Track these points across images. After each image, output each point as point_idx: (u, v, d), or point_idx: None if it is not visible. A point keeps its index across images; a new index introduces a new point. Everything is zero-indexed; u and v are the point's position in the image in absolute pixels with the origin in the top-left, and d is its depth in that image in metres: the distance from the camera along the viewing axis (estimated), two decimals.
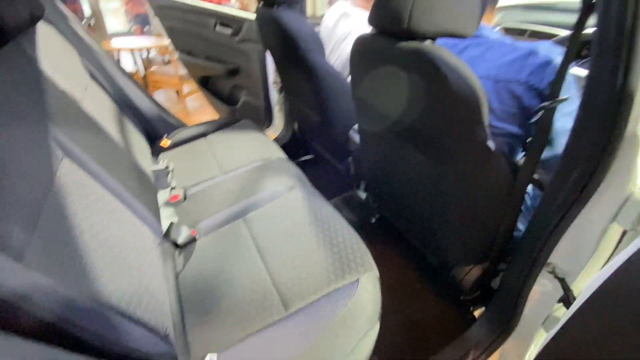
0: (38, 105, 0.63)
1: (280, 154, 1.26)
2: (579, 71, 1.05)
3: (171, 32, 1.76)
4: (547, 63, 0.67)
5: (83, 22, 3.30)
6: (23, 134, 0.55)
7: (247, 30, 1.53)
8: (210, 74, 1.85)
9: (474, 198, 0.75)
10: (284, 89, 1.71)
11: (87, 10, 3.85)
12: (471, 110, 0.59)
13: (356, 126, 1.24)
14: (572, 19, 0.54)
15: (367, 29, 0.71)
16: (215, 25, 1.59)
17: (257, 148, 1.28)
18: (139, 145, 1.17)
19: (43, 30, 0.93)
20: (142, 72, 3.36)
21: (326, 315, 0.65)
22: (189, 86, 3.15)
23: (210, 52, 1.72)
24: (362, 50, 0.75)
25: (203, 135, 1.41)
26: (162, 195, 1.05)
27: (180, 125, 1.52)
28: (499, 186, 0.73)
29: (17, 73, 0.67)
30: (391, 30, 0.62)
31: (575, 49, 0.55)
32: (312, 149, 1.84)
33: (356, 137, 1.27)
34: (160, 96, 3.48)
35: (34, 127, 0.59)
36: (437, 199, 0.81)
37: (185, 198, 1.07)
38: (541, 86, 0.68)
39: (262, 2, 1.18)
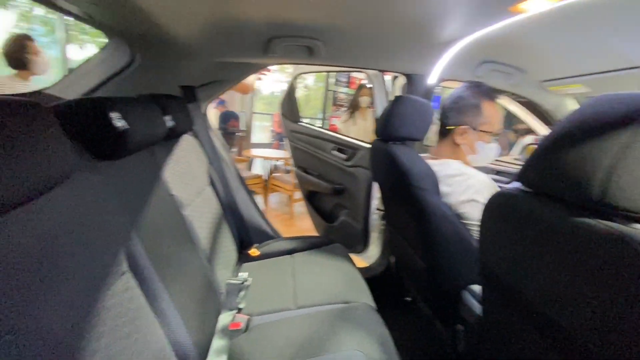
0: (131, 211, 0.64)
1: (366, 297, 1.03)
2: None
3: (294, 151, 1.97)
4: None
5: (237, 134, 4.20)
6: (95, 237, 0.52)
7: (359, 157, 1.55)
8: (317, 190, 1.90)
9: None
10: (386, 218, 1.57)
11: (242, 126, 4.96)
12: None
13: (475, 287, 0.94)
14: None
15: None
16: (331, 150, 1.68)
17: (343, 284, 1.09)
18: (227, 252, 1.14)
19: (186, 140, 1.09)
20: (266, 176, 3.87)
21: None
22: (300, 194, 3.43)
23: (322, 172, 1.80)
24: (507, 209, 0.55)
25: (291, 252, 1.33)
26: (224, 319, 0.92)
27: (275, 236, 1.49)
28: None
29: (138, 176, 0.73)
30: (562, 196, 0.42)
31: None
32: (407, 290, 1.52)
33: (471, 301, 0.95)
34: (275, 198, 3.85)
35: (112, 232, 0.57)
36: None
37: (246, 329, 0.92)
38: None
39: (378, 137, 1.17)
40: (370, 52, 1.10)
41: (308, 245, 1.39)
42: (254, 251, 1.34)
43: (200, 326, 0.77)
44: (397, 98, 1.09)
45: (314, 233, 1.95)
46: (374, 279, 1.38)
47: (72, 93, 0.99)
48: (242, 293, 1.05)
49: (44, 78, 2.03)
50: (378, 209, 1.63)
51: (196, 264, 0.86)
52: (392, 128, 1.06)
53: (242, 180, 1.44)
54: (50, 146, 0.43)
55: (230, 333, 0.88)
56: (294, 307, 1.00)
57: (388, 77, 1.67)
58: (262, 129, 6.03)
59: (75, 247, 0.47)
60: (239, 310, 0.99)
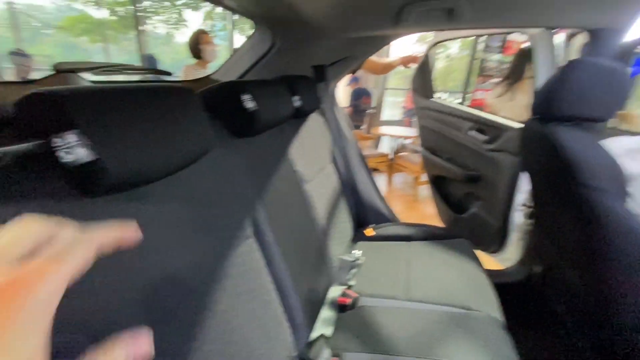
0: (258, 183, 0.71)
1: (492, 308, 0.88)
2: None
3: (422, 130, 1.80)
4: None
5: (367, 111, 4.19)
6: (227, 204, 0.60)
7: (505, 140, 1.28)
8: (446, 175, 1.70)
9: None
10: (534, 217, 1.27)
11: (373, 102, 4.89)
12: None
13: None
14: None
15: None
16: (468, 130, 1.45)
17: (464, 286, 0.96)
18: (342, 228, 1.17)
19: (313, 119, 1.14)
20: (392, 155, 3.76)
21: None
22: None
23: (454, 155, 1.58)
24: None
25: (408, 239, 1.25)
26: (333, 292, 0.96)
27: (392, 219, 1.44)
28: None
29: (267, 152, 0.80)
30: None
31: None
32: (553, 311, 1.22)
33: None
34: (399, 178, 3.73)
35: (241, 201, 0.65)
36: None
37: (353, 306, 0.93)
38: None
39: (535, 116, 0.92)
40: (535, 4, 0.83)
41: (428, 234, 1.28)
42: (369, 231, 1.33)
43: (310, 295, 0.82)
44: (573, 62, 0.80)
45: (437, 222, 1.78)
46: (507, 288, 1.16)
47: (229, 77, 1.16)
48: (353, 270, 1.06)
49: (217, 64, 2.50)
50: (525, 205, 1.34)
51: (312, 236, 0.91)
52: (559, 103, 0.80)
53: (363, 159, 1.43)
54: (196, 125, 0.50)
55: (339, 307, 0.91)
56: (403, 297, 0.95)
57: (559, 39, 1.28)
58: (393, 105, 5.82)
59: (211, 211, 0.56)
60: (349, 286, 1.01)
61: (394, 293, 0.97)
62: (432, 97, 1.76)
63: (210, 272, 0.52)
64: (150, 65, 3.62)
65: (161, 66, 4.02)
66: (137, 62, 3.82)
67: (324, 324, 0.84)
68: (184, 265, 0.48)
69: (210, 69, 2.36)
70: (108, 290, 0.37)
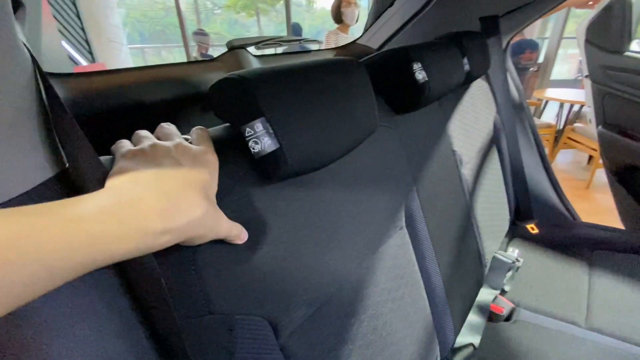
0: (413, 165, 0.62)
1: None
2: None
3: (604, 99, 1.27)
4: None
5: (531, 69, 3.36)
6: (383, 189, 0.55)
7: None
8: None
9: None
10: None
11: (541, 57, 3.86)
12: None
13: None
14: None
15: None
16: None
17: None
18: (498, 219, 0.98)
19: (476, 86, 0.94)
20: (560, 125, 2.97)
21: None
22: None
23: None
24: None
25: (586, 243, 0.95)
26: (484, 295, 0.83)
27: (569, 216, 1.12)
28: None
29: (425, 129, 0.70)
30: None
31: None
32: None
33: None
34: (567, 156, 2.96)
35: (397, 186, 0.58)
36: None
37: (508, 318, 0.78)
38: None
39: None
40: None
41: (619, 243, 0.94)
42: (532, 227, 1.08)
43: (459, 295, 0.72)
44: None
45: (617, 222, 1.31)
46: None
47: (375, 41, 1.07)
48: (509, 273, 0.89)
49: (358, 26, 2.41)
50: None
51: (466, 227, 0.79)
52: None
53: (536, 135, 1.13)
54: (365, 102, 0.45)
55: (490, 314, 0.78)
56: (583, 324, 0.73)
57: None
58: (565, 60, 4.48)
59: (368, 197, 0.52)
60: (503, 292, 0.85)
61: (566, 314, 0.76)
62: (626, 50, 1.19)
63: (363, 262, 0.49)
64: (295, 33, 3.83)
65: (303, 34, 4.22)
66: (284, 32, 4.11)
67: (471, 331, 0.74)
68: (341, 253, 0.46)
69: (350, 32, 2.29)
70: (274, 272, 0.37)
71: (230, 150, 0.36)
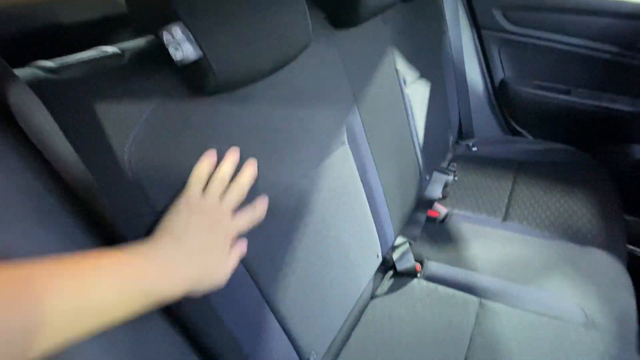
0: (354, 83, 0.64)
1: (615, 246, 0.75)
2: None
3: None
4: None
5: None
6: (324, 106, 0.57)
7: None
8: None
9: None
10: None
11: None
12: None
13: None
14: None
15: None
16: None
17: (583, 216, 0.82)
18: (441, 139, 1.06)
19: (423, 4, 0.92)
20: None
21: None
22: None
23: None
24: None
25: (518, 156, 1.07)
26: (421, 203, 0.93)
27: (508, 133, 1.23)
28: None
29: (367, 46, 0.70)
30: None
31: None
32: None
33: None
34: None
35: (338, 104, 0.61)
36: None
37: (443, 220, 0.90)
38: None
39: None
40: None
41: (546, 152, 1.07)
42: (472, 145, 1.19)
43: (399, 204, 0.81)
44: None
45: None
46: None
47: None
48: (447, 185, 1.00)
49: None
50: None
51: (406, 145, 0.85)
52: None
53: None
54: (296, 14, 0.44)
55: (427, 219, 0.90)
56: (500, 219, 0.87)
57: None
58: None
59: (309, 114, 0.54)
60: (441, 199, 0.97)
61: (490, 213, 0.89)
62: None
63: (308, 174, 0.53)
64: None
65: None
66: None
67: (409, 231, 0.85)
68: (284, 166, 0.49)
69: None
70: None
71: (157, 63, 0.36)
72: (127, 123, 0.33)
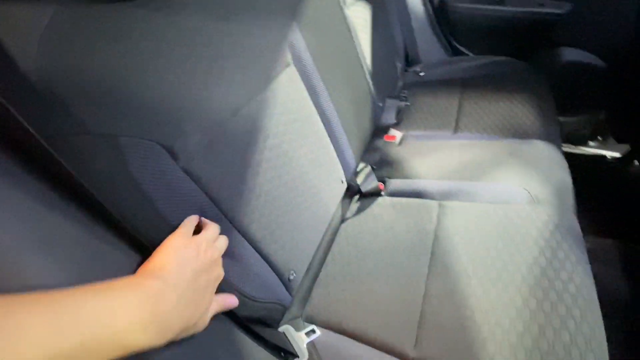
0: (293, 9, 0.61)
1: (552, 136, 0.82)
2: None
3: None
4: None
5: None
6: (263, 25, 0.54)
7: None
8: None
9: None
10: None
11: None
12: None
13: None
14: None
15: None
16: None
17: (522, 115, 0.88)
18: (389, 65, 1.06)
19: None
20: None
21: None
22: None
23: None
24: None
25: (462, 80, 1.11)
26: (380, 130, 0.95)
27: (454, 57, 1.25)
28: None
29: None
30: None
31: None
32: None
33: None
34: None
35: (276, 21, 0.57)
36: None
37: (400, 143, 0.93)
38: None
39: None
40: None
41: (489, 68, 1.12)
42: (420, 70, 1.20)
43: (356, 130, 0.82)
44: None
45: None
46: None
47: None
48: (400, 111, 1.02)
49: None
50: None
51: (356, 70, 0.84)
52: None
53: None
54: None
55: (384, 144, 0.93)
56: (451, 132, 0.91)
57: None
58: None
59: (247, 32, 0.50)
60: (396, 124, 0.99)
61: (442, 129, 0.93)
62: None
63: (256, 96, 0.51)
64: None
65: None
66: None
67: (370, 155, 0.87)
68: (226, 87, 0.46)
69: None
70: (155, 98, 0.37)
71: None
72: (29, 30, 0.28)
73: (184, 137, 0.39)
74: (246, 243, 0.48)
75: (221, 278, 0.37)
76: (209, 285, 0.34)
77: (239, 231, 0.47)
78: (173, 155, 0.38)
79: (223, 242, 0.40)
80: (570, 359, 0.44)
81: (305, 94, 0.63)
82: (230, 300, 0.39)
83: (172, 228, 0.36)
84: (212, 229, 0.39)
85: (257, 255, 0.50)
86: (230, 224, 0.46)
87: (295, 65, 0.61)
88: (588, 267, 0.54)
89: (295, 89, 0.60)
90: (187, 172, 0.40)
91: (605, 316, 0.48)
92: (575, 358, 0.44)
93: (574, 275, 0.52)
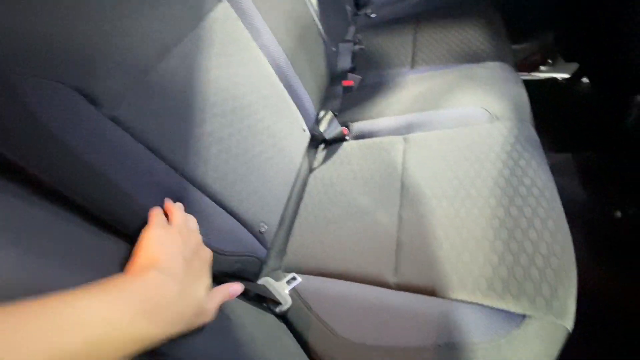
0: None
1: (509, 59, 0.82)
2: None
3: None
4: None
5: None
6: None
7: None
8: None
9: None
10: None
11: None
12: None
13: None
14: None
15: None
16: None
17: (475, 40, 0.87)
18: (339, 9, 1.01)
19: None
20: None
21: (437, 334, 0.42)
22: None
23: None
24: None
25: (414, 15, 1.07)
26: (336, 76, 0.91)
27: None
28: None
29: None
30: None
31: None
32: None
33: None
34: None
35: None
36: None
37: (359, 86, 0.90)
38: None
39: None
40: None
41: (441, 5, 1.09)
42: (370, 12, 1.15)
43: (312, 78, 0.77)
44: None
45: None
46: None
47: None
48: (355, 56, 0.98)
49: None
50: None
51: (303, 13, 0.78)
52: None
53: None
54: None
55: (343, 89, 0.89)
56: (408, 67, 0.89)
57: None
58: None
59: None
60: (352, 69, 0.96)
61: (399, 66, 0.91)
62: None
63: (189, 33, 0.45)
64: None
65: None
66: None
67: (330, 102, 0.84)
68: (158, 21, 0.41)
69: None
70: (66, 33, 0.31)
71: None
72: None
73: (102, 80, 0.34)
74: (205, 197, 0.45)
75: (211, 258, 0.37)
76: (203, 268, 0.35)
77: (194, 185, 0.43)
78: (91, 100, 0.33)
79: (193, 221, 0.39)
80: (539, 253, 0.45)
81: (247, 33, 0.57)
82: (234, 288, 0.38)
83: (124, 193, 0.34)
84: (179, 213, 0.37)
85: (219, 208, 0.46)
86: (183, 178, 0.42)
87: (229, 1, 0.54)
88: (548, 170, 0.56)
89: (233, 27, 0.55)
90: (115, 120, 0.35)
91: (569, 222, 0.50)
92: (543, 252, 0.45)
93: (536, 179, 0.53)
